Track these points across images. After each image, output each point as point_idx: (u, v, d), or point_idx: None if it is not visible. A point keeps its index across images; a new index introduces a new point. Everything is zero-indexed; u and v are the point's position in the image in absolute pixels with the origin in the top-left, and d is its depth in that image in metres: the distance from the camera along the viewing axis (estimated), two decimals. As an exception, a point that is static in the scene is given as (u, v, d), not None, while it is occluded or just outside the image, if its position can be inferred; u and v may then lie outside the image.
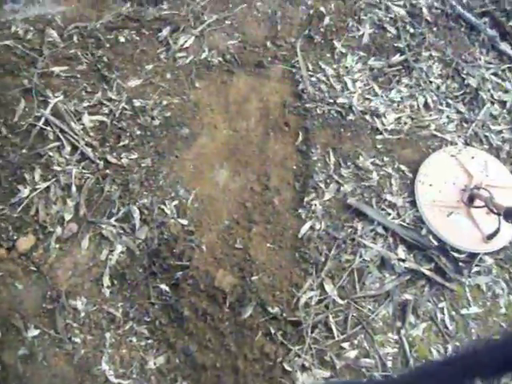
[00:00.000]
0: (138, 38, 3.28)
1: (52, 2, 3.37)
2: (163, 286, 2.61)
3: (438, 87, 3.40)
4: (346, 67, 3.34)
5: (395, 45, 3.45)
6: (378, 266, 2.78)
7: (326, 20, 3.44)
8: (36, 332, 2.51)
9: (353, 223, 2.88)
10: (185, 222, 2.78)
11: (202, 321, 2.52)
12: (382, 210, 2.94)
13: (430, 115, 3.30)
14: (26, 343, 2.49)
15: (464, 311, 2.76)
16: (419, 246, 2.82)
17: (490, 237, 2.85)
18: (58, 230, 2.74)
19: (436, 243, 2.86)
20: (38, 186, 2.80)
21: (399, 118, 3.24)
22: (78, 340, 2.52)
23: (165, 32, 3.30)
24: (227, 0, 3.49)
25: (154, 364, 2.50)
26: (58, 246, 2.72)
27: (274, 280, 2.65)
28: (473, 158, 3.17)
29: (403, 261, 2.79)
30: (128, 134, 2.97)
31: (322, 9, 3.48)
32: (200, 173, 2.95)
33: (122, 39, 3.25)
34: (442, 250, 2.85)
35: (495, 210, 2.76)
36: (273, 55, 3.32)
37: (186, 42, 3.30)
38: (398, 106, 3.29)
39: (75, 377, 2.45)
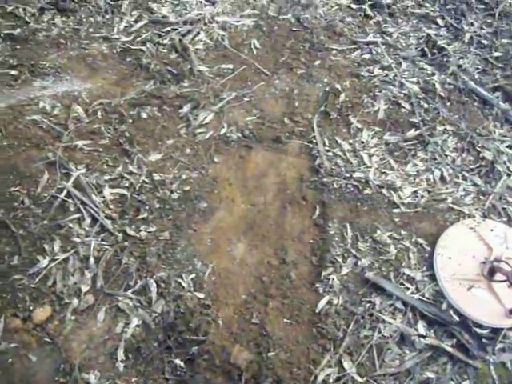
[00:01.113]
0: (159, 114, 3.40)
1: (79, 79, 3.54)
2: (178, 361, 2.56)
3: (454, 160, 3.44)
4: (362, 142, 3.41)
5: (410, 120, 3.53)
6: (398, 342, 2.70)
7: (342, 97, 3.56)
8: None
9: (371, 298, 2.83)
10: (201, 295, 2.76)
11: (218, 401, 2.47)
12: (401, 284, 2.90)
13: (447, 188, 3.32)
14: (38, 418, 2.45)
15: (489, 391, 2.66)
16: (440, 322, 2.75)
17: None
18: (75, 301, 2.73)
19: (457, 318, 2.79)
20: (56, 257, 2.82)
21: (416, 191, 3.26)
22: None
23: (185, 108, 3.43)
24: (246, 78, 3.64)
25: None
26: (73, 317, 2.69)
27: (291, 356, 2.58)
28: (492, 230, 3.15)
29: (424, 337, 2.71)
30: (147, 207, 3.02)
31: (338, 86, 3.61)
32: (217, 246, 2.97)
33: (144, 115, 3.38)
34: (464, 326, 2.77)
35: None
36: (290, 131, 3.41)
37: (205, 118, 3.42)
38: (415, 179, 3.32)
39: None
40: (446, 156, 3.43)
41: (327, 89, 3.62)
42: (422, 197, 3.24)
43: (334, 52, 3.83)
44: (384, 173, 3.30)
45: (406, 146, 3.44)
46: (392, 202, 3.18)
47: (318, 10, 4.02)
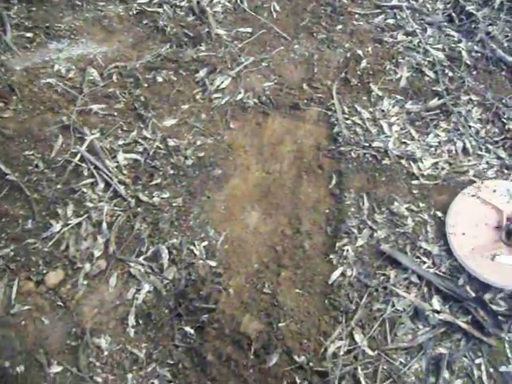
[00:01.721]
0: (175, 79, 3.35)
1: (94, 42, 3.49)
2: (188, 329, 2.55)
3: (478, 132, 3.31)
4: (383, 111, 3.31)
5: (433, 88, 3.40)
6: (411, 316, 2.65)
7: (363, 63, 3.44)
8: (59, 369, 2.48)
9: (386, 271, 2.77)
10: (213, 263, 2.74)
11: (225, 366, 2.44)
12: (417, 257, 2.83)
13: (469, 161, 3.20)
14: (48, 379, 2.46)
15: (503, 368, 2.58)
16: (455, 297, 2.68)
17: None
18: (87, 266, 2.74)
19: (473, 294, 2.73)
20: (69, 222, 2.83)
21: (436, 163, 3.16)
22: (99, 379, 2.47)
23: (202, 73, 3.36)
24: (265, 42, 3.54)
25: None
26: (85, 282, 2.71)
27: (301, 327, 2.56)
28: (494, 191, 3.05)
29: (438, 312, 2.65)
30: (161, 173, 2.99)
31: (360, 52, 3.49)
32: (231, 214, 2.93)
33: (159, 79, 3.32)
34: (479, 302, 2.69)
35: None
36: (309, 98, 3.32)
37: (222, 83, 3.35)
38: (436, 150, 3.22)
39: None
40: (470, 127, 3.30)
41: (348, 55, 3.49)
42: (443, 169, 3.13)
43: (357, 16, 3.69)
44: (404, 143, 3.20)
45: (428, 115, 3.32)
46: (411, 173, 3.09)
47: (340, -29, 3.88)
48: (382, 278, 2.76)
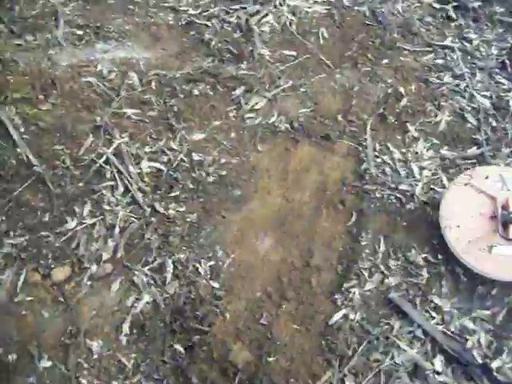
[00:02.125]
0: (211, 93, 3.35)
1: (140, 47, 3.55)
2: (178, 347, 2.54)
3: (514, 188, 3.16)
4: (416, 153, 3.19)
5: (473, 136, 3.26)
6: (410, 372, 2.52)
7: (404, 101, 3.35)
8: (48, 364, 2.51)
9: (390, 320, 2.66)
10: (216, 284, 2.72)
11: (209, 393, 2.43)
12: (426, 311, 2.70)
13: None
14: (37, 373, 2.49)
15: None
16: (460, 361, 2.55)
17: None
18: (94, 267, 2.77)
19: (480, 360, 2.58)
20: (84, 221, 2.88)
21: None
22: (84, 381, 2.48)
23: (238, 91, 3.35)
24: (307, 68, 3.50)
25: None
26: (89, 282, 2.74)
27: (291, 365, 2.49)
28: (487, 177, 2.93)
29: (439, 373, 2.52)
30: (180, 186, 3.00)
31: (402, 89, 3.39)
32: (243, 237, 2.90)
33: (196, 92, 3.34)
34: (485, 370, 2.55)
35: None
36: (342, 129, 3.25)
37: (257, 103, 3.33)
38: (466, 202, 3.10)
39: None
40: (506, 182, 3.16)
41: (389, 91, 3.40)
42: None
43: (405, 52, 3.59)
44: (433, 189, 3.08)
45: (463, 163, 3.17)
46: (435, 221, 2.97)
47: (396, 5, 3.77)
48: (386, 327, 2.65)
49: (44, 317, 2.65)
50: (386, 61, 3.54)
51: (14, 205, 2.93)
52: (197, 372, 2.46)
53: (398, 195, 3.03)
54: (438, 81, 3.47)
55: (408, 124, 3.28)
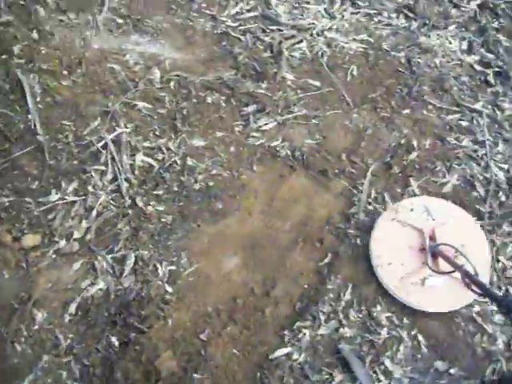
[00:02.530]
0: (223, 105, 3.36)
1: (172, 47, 3.61)
2: (114, 340, 2.55)
3: (505, 269, 2.95)
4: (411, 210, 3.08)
5: (477, 206, 3.08)
6: (337, 430, 2.44)
7: (414, 154, 3.22)
8: (-10, 322, 2.60)
9: (333, 371, 2.56)
10: (170, 289, 2.70)
11: (126, 392, 2.42)
12: (374, 372, 2.58)
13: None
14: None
15: None
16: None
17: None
18: (62, 242, 2.83)
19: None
20: (66, 197, 2.95)
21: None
22: (18, 348, 2.54)
23: (250, 108, 3.34)
24: (326, 101, 3.44)
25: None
26: (54, 256, 2.81)
27: (216, 388, 2.46)
28: (412, 210, 2.95)
29: None
30: (166, 186, 3.02)
31: (415, 142, 3.27)
32: (211, 250, 2.87)
33: (209, 100, 3.35)
34: None
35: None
36: (342, 168, 3.16)
37: (265, 124, 3.30)
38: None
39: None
40: (498, 261, 2.97)
41: (402, 141, 3.28)
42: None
43: (430, 107, 3.45)
44: (420, 249, 2.96)
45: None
46: (411, 283, 2.86)
47: (435, 58, 3.64)
48: (327, 377, 2.56)
49: (3, 277, 2.74)
50: (407, 111, 3.42)
51: (9, 166, 3.05)
52: (123, 369, 2.46)
53: (379, 247, 2.93)
54: (456, 142, 3.31)
55: (411, 178, 3.14)
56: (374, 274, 2.83)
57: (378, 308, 2.75)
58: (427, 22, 3.94)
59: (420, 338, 2.70)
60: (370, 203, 3.07)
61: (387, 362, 2.61)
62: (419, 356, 2.66)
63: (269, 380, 2.50)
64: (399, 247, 2.86)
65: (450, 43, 3.88)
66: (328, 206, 3.08)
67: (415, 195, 3.11)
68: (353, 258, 2.89)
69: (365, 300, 2.77)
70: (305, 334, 2.65)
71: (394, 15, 3.99)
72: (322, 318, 2.70)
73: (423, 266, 2.76)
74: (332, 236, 2.97)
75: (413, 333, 2.71)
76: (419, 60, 3.64)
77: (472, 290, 2.37)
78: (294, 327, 2.66)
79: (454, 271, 2.58)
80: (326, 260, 2.89)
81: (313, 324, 2.69)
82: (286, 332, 2.65)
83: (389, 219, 2.94)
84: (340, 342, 2.63)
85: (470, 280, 2.39)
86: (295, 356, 2.59)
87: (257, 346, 2.61)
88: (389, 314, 2.74)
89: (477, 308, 2.79)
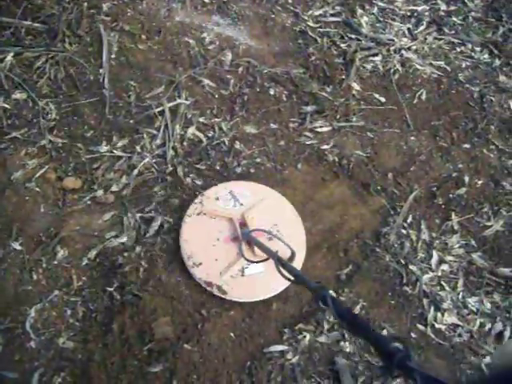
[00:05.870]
0: (284, 99, 3.38)
1: (250, 34, 3.68)
2: (117, 294, 2.61)
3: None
4: (446, 244, 2.96)
5: None
6: None
7: (462, 190, 3.12)
8: (18, 247, 2.71)
9: (323, 381, 2.51)
10: (186, 260, 2.78)
11: (119, 344, 2.46)
12: (365, 393, 2.54)
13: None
14: (4, 252, 2.70)
15: None
16: None
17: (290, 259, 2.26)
18: (99, 192, 2.94)
19: None
20: (114, 151, 3.07)
21: (458, 325, 2.74)
22: (35, 277, 2.63)
23: (309, 108, 3.36)
24: (385, 118, 3.38)
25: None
26: (89, 203, 2.92)
27: (203, 363, 2.43)
28: (217, 198, 2.85)
29: None
30: (209, 163, 3.08)
31: (467, 179, 3.16)
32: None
33: (271, 91, 3.39)
34: None
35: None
36: (385, 187, 3.12)
37: (320, 127, 3.30)
38: (468, 315, 2.78)
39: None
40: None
41: (454, 174, 3.19)
42: (460, 334, 2.73)
43: (492, 147, 3.33)
44: (439, 284, 2.85)
45: (488, 277, 2.88)
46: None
47: (510, 100, 3.50)
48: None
49: (39, 210, 2.88)
50: (467, 145, 3.32)
51: (70, 111, 3.21)
52: (119, 322, 2.50)
53: (403, 272, 2.85)
54: (511, 188, 3.18)
55: (453, 213, 3.05)
56: (390, 300, 2.77)
57: (386, 332, 2.69)
58: (511, 62, 3.82)
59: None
60: (404, 227, 3.00)
61: (381, 383, 2.56)
62: None
63: (257, 372, 2.48)
64: (211, 242, 2.71)
65: (530, 88, 3.74)
66: (362, 220, 3.04)
67: (452, 231, 3.03)
68: (372, 278, 2.84)
69: (374, 321, 2.72)
70: (305, 336, 2.62)
71: (478, 49, 3.90)
72: (326, 326, 2.66)
73: (238, 255, 2.63)
74: (358, 250, 2.92)
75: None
76: (492, 98, 3.52)
77: (285, 277, 2.11)
78: (296, 328, 2.64)
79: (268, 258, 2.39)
80: (346, 271, 2.86)
81: (315, 330, 2.65)
82: (286, 330, 2.64)
83: (195, 214, 2.82)
84: (337, 355, 2.60)
85: (283, 267, 2.15)
86: (289, 356, 2.56)
87: (254, 336, 2.61)
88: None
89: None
